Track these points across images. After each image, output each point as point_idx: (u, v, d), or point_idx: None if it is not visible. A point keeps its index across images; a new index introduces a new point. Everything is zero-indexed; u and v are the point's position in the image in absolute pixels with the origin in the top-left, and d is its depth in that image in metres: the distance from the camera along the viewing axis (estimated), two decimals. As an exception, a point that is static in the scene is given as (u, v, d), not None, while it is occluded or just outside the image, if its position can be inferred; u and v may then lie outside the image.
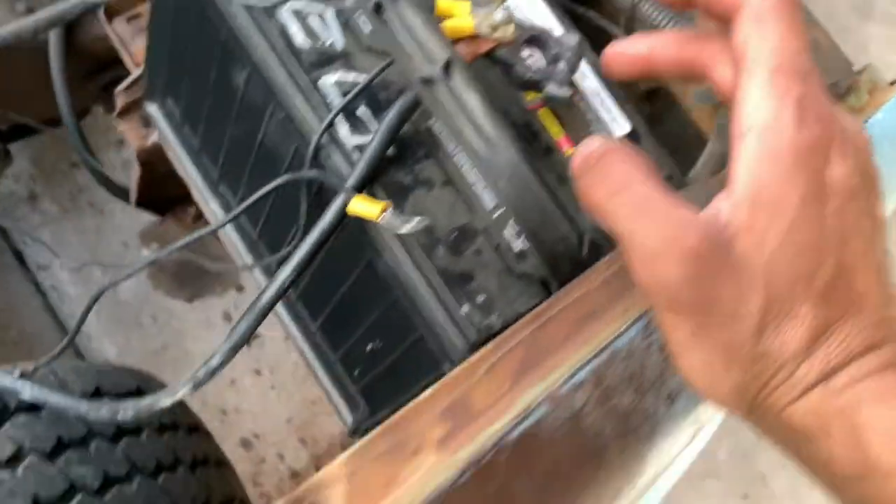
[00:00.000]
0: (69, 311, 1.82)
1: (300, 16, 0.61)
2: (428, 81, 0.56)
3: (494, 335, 0.56)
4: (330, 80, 0.60)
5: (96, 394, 0.85)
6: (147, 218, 1.96)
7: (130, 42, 1.06)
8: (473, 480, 0.33)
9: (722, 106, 0.66)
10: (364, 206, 0.54)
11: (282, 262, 0.59)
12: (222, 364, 0.58)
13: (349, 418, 0.79)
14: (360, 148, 0.58)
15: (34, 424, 0.77)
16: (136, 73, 0.90)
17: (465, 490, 0.33)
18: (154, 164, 0.88)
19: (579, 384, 0.37)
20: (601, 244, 0.59)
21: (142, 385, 0.92)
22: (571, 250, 0.56)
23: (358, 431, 0.79)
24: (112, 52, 1.13)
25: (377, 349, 0.67)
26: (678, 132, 0.80)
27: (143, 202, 0.98)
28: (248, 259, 0.81)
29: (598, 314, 0.44)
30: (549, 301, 0.45)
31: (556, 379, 0.37)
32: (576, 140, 0.65)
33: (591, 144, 0.40)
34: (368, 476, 0.35)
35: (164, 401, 0.62)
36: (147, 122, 0.86)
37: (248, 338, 0.58)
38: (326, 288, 0.70)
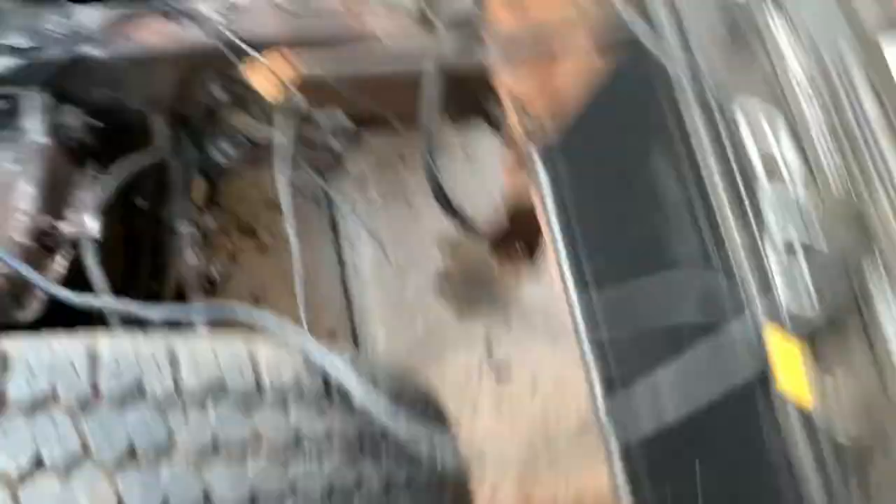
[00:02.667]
0: (357, 288, 1.95)
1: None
2: None
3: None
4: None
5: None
6: (449, 227, 2.06)
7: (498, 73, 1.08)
8: None
9: None
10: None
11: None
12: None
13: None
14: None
15: (346, 413, 0.79)
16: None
17: None
18: (516, 205, 0.90)
19: None
20: None
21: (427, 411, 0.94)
22: None
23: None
24: (480, 83, 1.17)
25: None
26: None
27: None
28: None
29: None
30: None
31: None
32: None
33: None
34: None
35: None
36: (522, 165, 0.87)
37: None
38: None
